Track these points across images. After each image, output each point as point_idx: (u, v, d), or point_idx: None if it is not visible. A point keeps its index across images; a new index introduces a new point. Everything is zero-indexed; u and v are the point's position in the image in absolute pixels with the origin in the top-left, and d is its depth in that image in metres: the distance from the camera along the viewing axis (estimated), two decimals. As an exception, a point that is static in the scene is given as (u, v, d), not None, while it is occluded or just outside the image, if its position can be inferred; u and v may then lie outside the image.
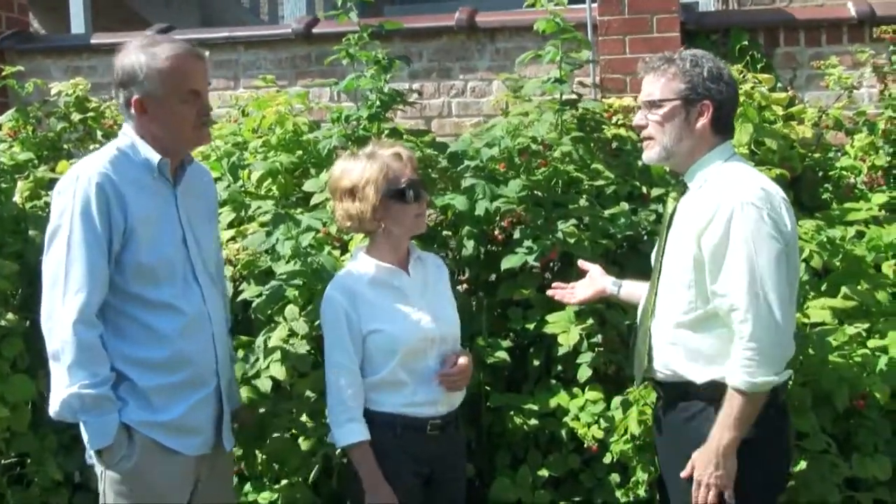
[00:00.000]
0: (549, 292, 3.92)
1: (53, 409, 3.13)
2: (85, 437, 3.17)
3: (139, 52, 3.22)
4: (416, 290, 3.54)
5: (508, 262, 4.37)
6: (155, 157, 3.25)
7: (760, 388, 3.07)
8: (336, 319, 3.40)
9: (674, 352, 3.27)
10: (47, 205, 5.05)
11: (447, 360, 3.52)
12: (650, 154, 3.32)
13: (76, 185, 3.14)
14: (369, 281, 3.45)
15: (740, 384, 3.07)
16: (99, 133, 5.46)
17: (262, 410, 4.03)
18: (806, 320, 4.14)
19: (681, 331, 3.24)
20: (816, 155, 5.18)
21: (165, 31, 6.09)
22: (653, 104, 3.27)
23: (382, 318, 3.42)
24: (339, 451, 3.80)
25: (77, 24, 8.19)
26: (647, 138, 3.31)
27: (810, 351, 4.02)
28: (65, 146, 5.49)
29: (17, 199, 4.90)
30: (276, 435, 4.09)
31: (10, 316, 4.56)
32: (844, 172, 5.10)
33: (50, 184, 5.11)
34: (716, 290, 3.12)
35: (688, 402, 3.26)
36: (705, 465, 3.13)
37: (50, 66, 6.30)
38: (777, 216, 3.10)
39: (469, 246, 4.46)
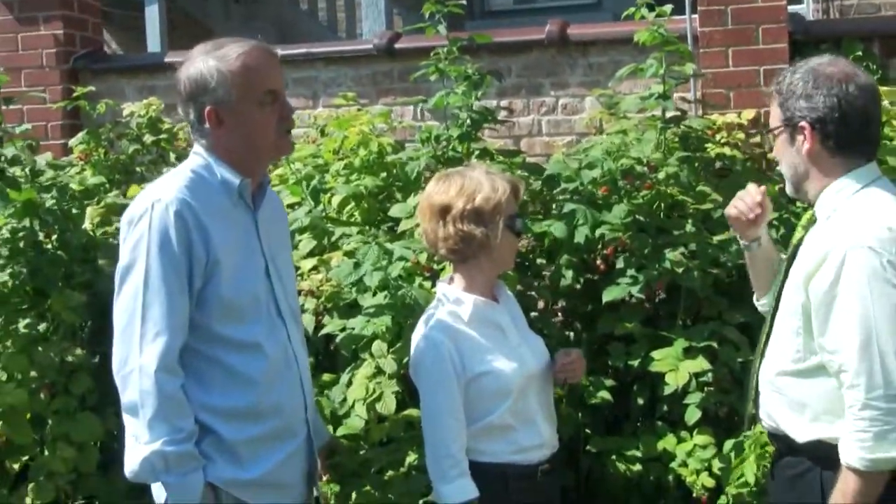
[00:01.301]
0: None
1: (131, 468, 2.76)
2: (161, 498, 2.80)
3: (206, 58, 2.85)
4: (510, 324, 3.23)
5: (610, 294, 4.04)
6: (235, 179, 2.89)
7: (880, 465, 2.61)
8: (442, 364, 3.05)
9: (777, 401, 2.89)
10: (119, 231, 4.83)
11: (559, 356, 3.28)
12: (787, 189, 2.97)
13: (151, 213, 2.78)
14: (469, 318, 3.12)
15: (855, 461, 2.63)
16: (172, 155, 5.23)
17: (361, 453, 3.75)
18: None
19: (785, 378, 2.85)
20: (942, 175, 4.75)
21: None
22: (771, 134, 2.93)
23: (491, 359, 3.10)
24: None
25: (153, 44, 8.02)
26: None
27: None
28: (137, 169, 5.28)
29: (86, 225, 4.68)
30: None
31: (78, 351, 4.36)
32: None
33: (121, 210, 4.89)
34: (823, 344, 2.71)
35: (794, 457, 2.87)
36: None
37: (124, 85, 6.07)
38: None
39: (568, 276, 4.13)
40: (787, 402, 2.86)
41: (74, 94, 5.38)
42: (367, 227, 4.19)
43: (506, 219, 3.12)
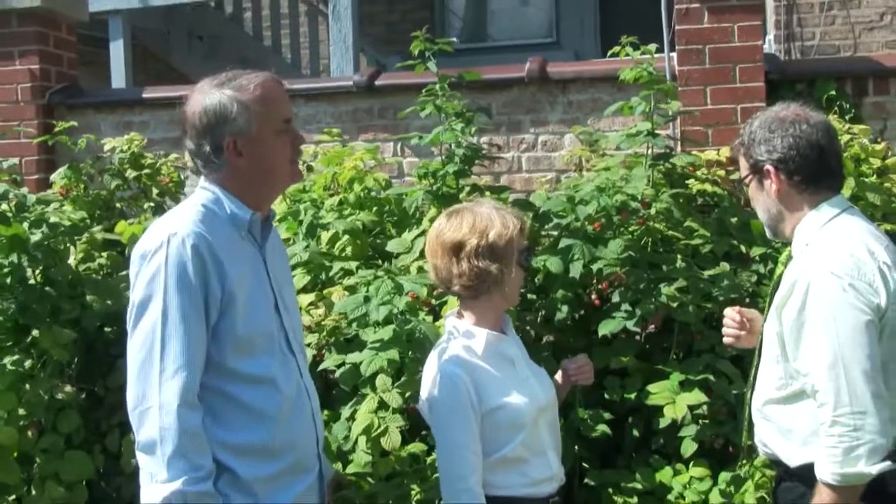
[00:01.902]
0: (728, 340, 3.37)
1: None
2: None
3: (222, 89, 2.80)
4: (519, 356, 3.26)
5: (606, 328, 4.08)
6: (245, 213, 2.85)
7: (851, 480, 2.72)
8: (459, 397, 3.06)
9: (768, 428, 3.00)
10: (101, 267, 4.82)
11: (566, 363, 3.42)
12: (766, 232, 3.14)
13: (168, 248, 2.72)
14: (483, 352, 3.14)
15: (827, 476, 2.74)
16: (154, 191, 5.20)
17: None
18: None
19: (773, 406, 2.97)
20: (912, 210, 4.88)
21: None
22: (744, 185, 3.10)
23: (506, 392, 3.11)
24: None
25: (118, 79, 7.97)
26: None
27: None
28: (117, 205, 5.24)
29: (70, 260, 4.63)
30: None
31: (67, 388, 4.30)
32: (947, 229, 4.80)
33: (104, 245, 4.87)
34: (798, 368, 2.84)
35: (790, 482, 2.97)
36: None
37: (100, 121, 6.04)
38: (865, 285, 2.76)
39: (563, 310, 4.17)
40: (776, 429, 2.96)
41: (56, 129, 5.32)
42: (379, 262, 4.19)
43: (517, 254, 3.16)
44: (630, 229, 4.33)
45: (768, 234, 3.11)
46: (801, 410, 2.87)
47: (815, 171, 2.95)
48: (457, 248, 3.13)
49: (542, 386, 3.26)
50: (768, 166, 2.95)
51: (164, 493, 2.64)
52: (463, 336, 3.17)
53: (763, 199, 3.02)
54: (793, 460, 2.91)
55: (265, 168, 2.87)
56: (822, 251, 2.85)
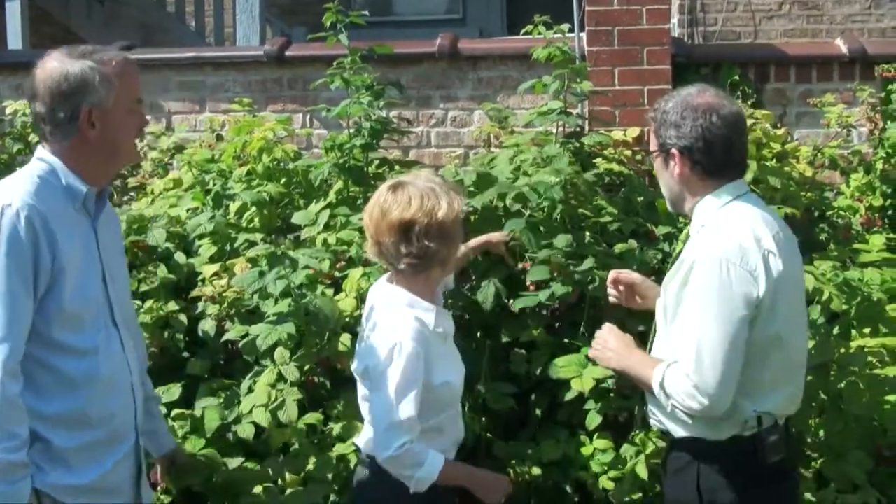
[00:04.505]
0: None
1: None
2: None
3: (83, 59, 2.83)
4: (451, 330, 3.28)
5: (522, 303, 4.11)
6: (81, 187, 2.86)
7: (667, 401, 2.95)
8: (417, 377, 3.04)
9: (655, 398, 3.08)
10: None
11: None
12: (668, 205, 3.22)
13: (2, 219, 2.70)
14: (434, 329, 3.12)
15: (661, 383, 2.96)
16: (58, 156, 5.07)
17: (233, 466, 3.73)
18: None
19: None
20: (809, 194, 5.03)
21: (126, 49, 5.73)
22: (651, 156, 3.18)
23: (446, 370, 3.14)
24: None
25: (14, 40, 7.74)
26: None
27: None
28: (17, 169, 5.10)
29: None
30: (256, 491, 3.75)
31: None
32: (843, 212, 4.96)
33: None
34: (672, 338, 2.99)
35: (677, 452, 3.08)
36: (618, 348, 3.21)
37: (-1, 83, 5.91)
38: (747, 273, 2.87)
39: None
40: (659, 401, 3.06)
41: (-49, 90, 5.17)
42: (271, 235, 4.16)
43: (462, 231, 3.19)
44: (540, 206, 4.37)
45: (669, 206, 3.20)
46: None
47: (718, 164, 3.02)
48: (406, 228, 3.08)
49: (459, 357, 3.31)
50: (674, 150, 3.01)
51: None
52: (414, 308, 3.13)
53: (666, 178, 3.10)
54: (677, 432, 3.02)
55: (112, 142, 2.90)
56: (714, 235, 2.94)
